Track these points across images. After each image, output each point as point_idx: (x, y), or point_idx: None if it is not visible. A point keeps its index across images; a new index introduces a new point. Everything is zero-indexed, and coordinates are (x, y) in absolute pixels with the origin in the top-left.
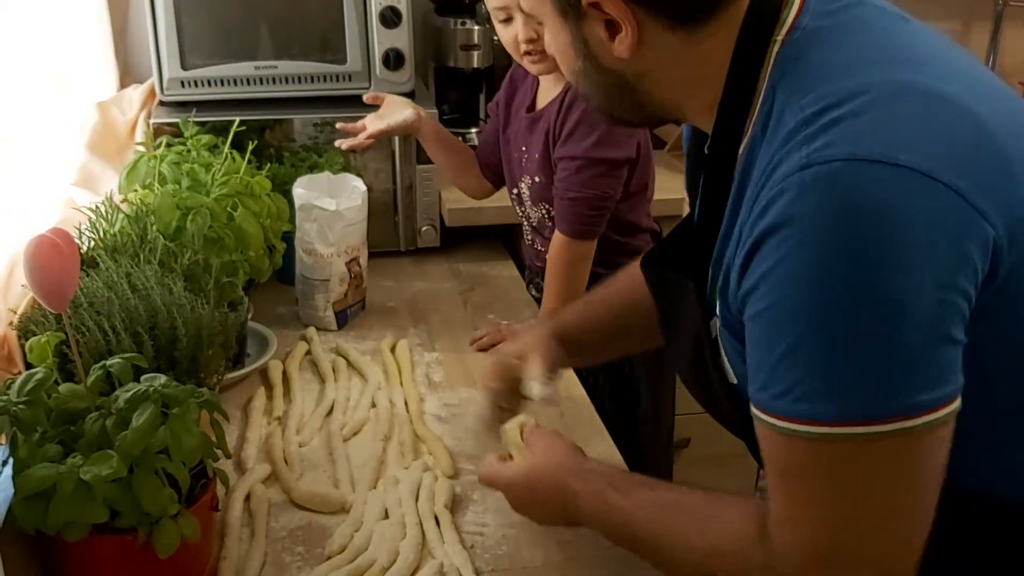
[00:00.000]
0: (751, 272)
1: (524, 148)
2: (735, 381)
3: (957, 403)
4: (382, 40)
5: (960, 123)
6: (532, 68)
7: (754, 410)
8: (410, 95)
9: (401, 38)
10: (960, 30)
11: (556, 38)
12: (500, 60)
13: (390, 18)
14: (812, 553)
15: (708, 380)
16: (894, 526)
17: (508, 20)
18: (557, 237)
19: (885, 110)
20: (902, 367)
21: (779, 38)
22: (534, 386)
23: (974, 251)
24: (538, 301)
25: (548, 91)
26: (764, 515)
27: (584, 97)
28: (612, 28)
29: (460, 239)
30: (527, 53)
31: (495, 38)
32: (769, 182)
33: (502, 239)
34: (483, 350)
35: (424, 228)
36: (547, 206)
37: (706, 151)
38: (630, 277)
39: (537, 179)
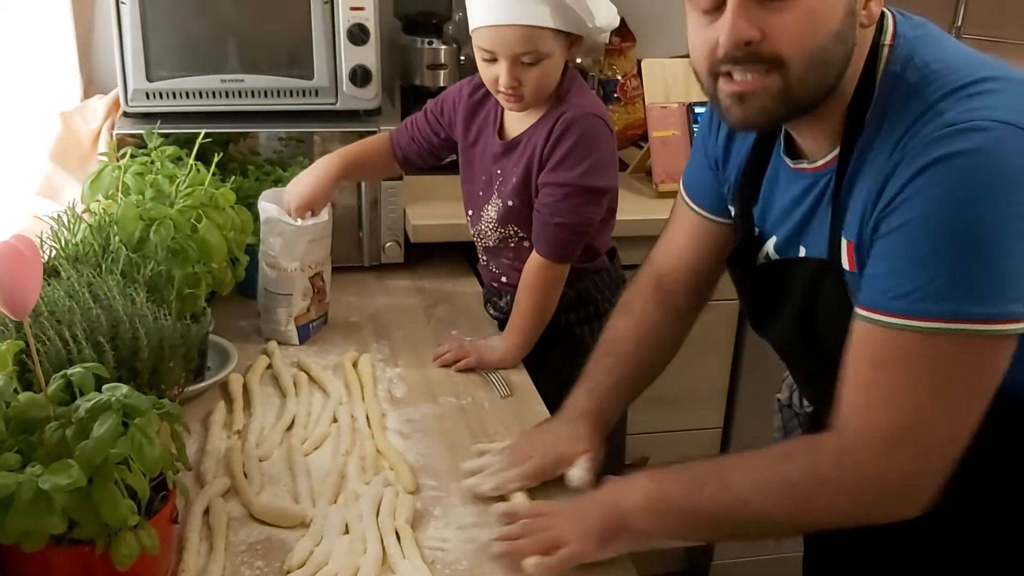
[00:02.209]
0: (896, 200)
1: (499, 172)
2: None
3: None
4: (349, 57)
5: None
6: (506, 105)
7: (866, 312)
8: (376, 112)
9: (368, 55)
10: None
11: None
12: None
13: (358, 35)
14: (885, 434)
15: (819, 329)
16: (957, 416)
17: (492, 60)
18: (536, 260)
19: (1008, 93)
20: (1008, 281)
21: (887, 42)
22: (577, 476)
23: None
24: (496, 319)
25: (519, 119)
26: (827, 430)
27: (802, 76)
28: None
29: (424, 255)
30: (508, 95)
31: (461, 58)
32: (916, 139)
33: (466, 256)
34: (446, 366)
35: (388, 244)
36: (515, 227)
37: (803, 151)
38: (636, 322)
39: (511, 202)
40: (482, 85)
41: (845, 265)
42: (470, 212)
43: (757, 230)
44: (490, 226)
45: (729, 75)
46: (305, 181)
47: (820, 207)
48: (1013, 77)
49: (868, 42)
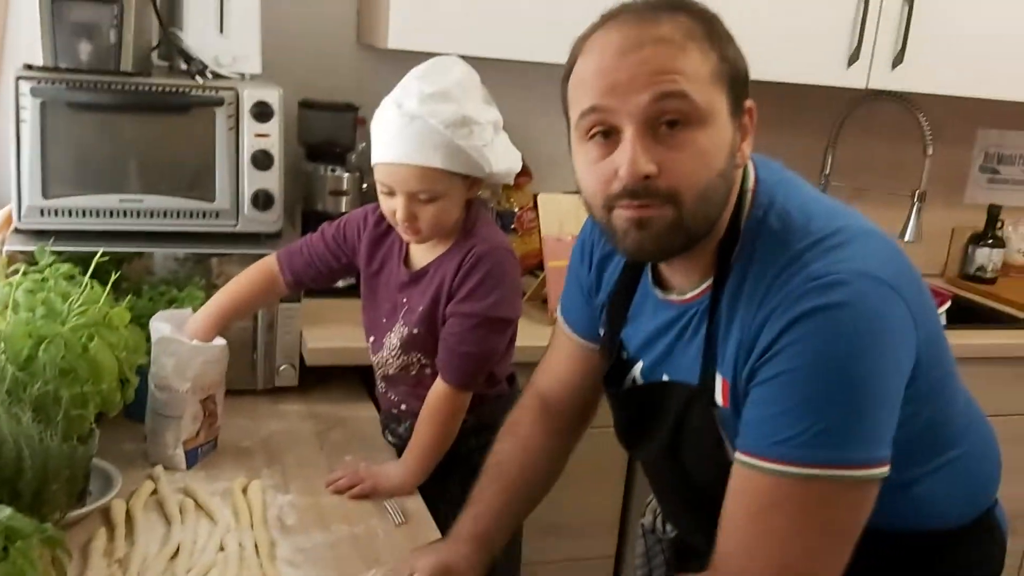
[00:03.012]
0: (770, 351)
1: (405, 300)
2: (732, 459)
3: (887, 468)
4: (252, 181)
5: (897, 254)
6: (405, 236)
7: (745, 458)
8: (276, 235)
9: (271, 180)
10: None
11: (717, 134)
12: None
13: (262, 161)
14: None
15: (685, 458)
16: (831, 558)
17: (390, 194)
18: (441, 387)
19: (861, 244)
20: (877, 429)
21: (749, 188)
22: None
23: (912, 344)
24: (394, 446)
25: (425, 250)
26: (689, 553)
27: (692, 210)
28: (742, 133)
29: (319, 379)
30: (405, 227)
31: (364, 185)
32: (784, 290)
33: (362, 379)
34: (340, 492)
35: (283, 367)
36: (418, 355)
37: (669, 283)
38: (522, 445)
39: (416, 330)
40: (384, 217)
41: (719, 400)
42: (371, 338)
43: (626, 353)
44: (392, 353)
45: (626, 204)
46: (189, 328)
47: (685, 338)
48: (862, 227)
49: (738, 183)
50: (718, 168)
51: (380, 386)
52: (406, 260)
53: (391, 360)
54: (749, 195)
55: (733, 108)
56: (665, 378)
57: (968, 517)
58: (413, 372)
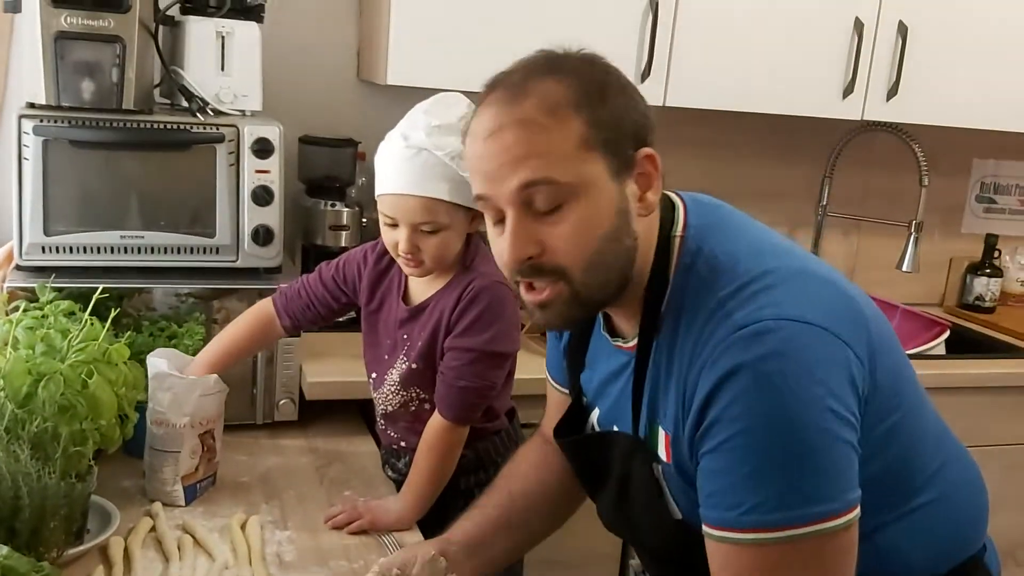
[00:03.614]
0: (709, 413)
1: (405, 336)
2: (679, 516)
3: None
4: (253, 216)
5: (835, 293)
6: (406, 269)
7: (718, 532)
8: (277, 270)
9: (272, 216)
10: (786, 236)
11: (594, 201)
12: (367, 240)
13: (262, 196)
14: None
15: (632, 512)
16: None
17: (393, 225)
18: (438, 421)
19: (789, 286)
20: (841, 473)
21: (678, 233)
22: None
23: (858, 385)
24: (394, 481)
25: (424, 284)
26: None
27: (583, 281)
28: (642, 184)
29: (319, 413)
30: (407, 259)
31: (364, 220)
32: (711, 341)
33: (362, 414)
34: (339, 528)
35: (282, 401)
36: (417, 390)
37: (621, 329)
38: (532, 466)
39: (415, 365)
40: (386, 252)
41: (662, 455)
42: (373, 375)
43: (585, 399)
44: (392, 389)
45: (529, 284)
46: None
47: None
48: (796, 267)
49: (655, 230)
50: (602, 233)
51: (380, 423)
52: (405, 296)
53: (391, 397)
54: (677, 241)
55: (617, 168)
56: (615, 428)
57: (943, 567)
58: (412, 408)
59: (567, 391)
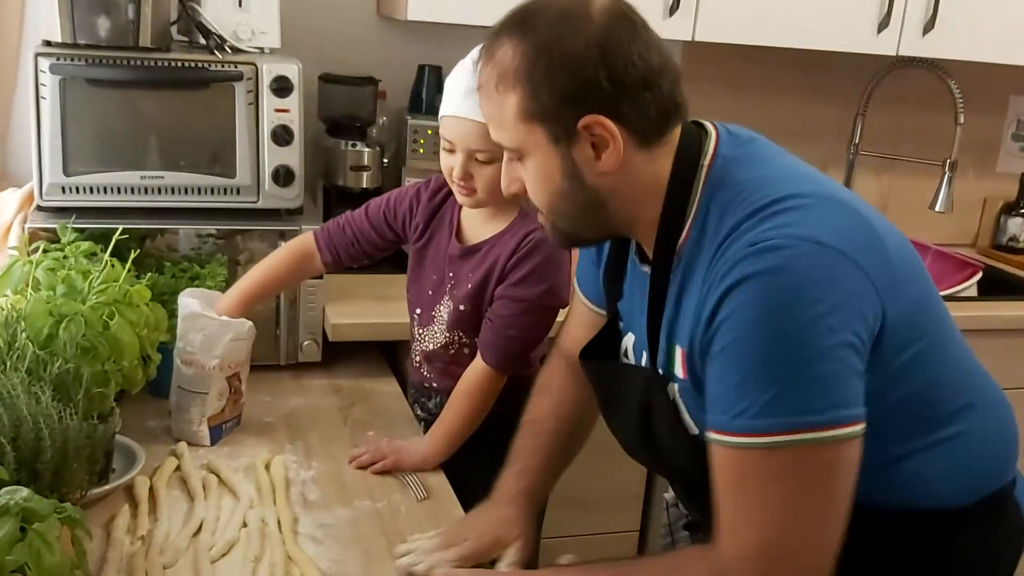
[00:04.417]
0: (716, 319)
1: (451, 274)
2: (696, 432)
3: (863, 426)
4: (273, 157)
5: (857, 221)
6: (460, 198)
7: (712, 435)
8: (298, 211)
9: (292, 156)
10: None
11: (541, 164)
12: (388, 181)
13: (282, 136)
14: (755, 551)
15: (657, 439)
16: (818, 522)
17: (451, 151)
18: (480, 367)
19: (810, 210)
20: (833, 389)
21: (705, 163)
22: (508, 562)
23: (868, 310)
24: (422, 420)
25: (479, 225)
26: (709, 542)
27: (553, 221)
28: (597, 147)
29: (342, 354)
30: (460, 186)
31: (385, 160)
32: (724, 257)
33: (385, 355)
34: (362, 467)
35: (306, 343)
36: (460, 334)
37: (650, 257)
38: (556, 400)
39: (462, 307)
40: (440, 188)
41: (678, 372)
42: (418, 311)
43: (621, 324)
44: (439, 329)
45: None
46: (220, 306)
47: None
48: (827, 194)
49: (649, 172)
50: (554, 189)
51: (415, 360)
52: (458, 234)
53: (438, 336)
54: (704, 171)
55: (556, 135)
56: (645, 356)
57: (970, 498)
58: (452, 351)
59: (600, 311)
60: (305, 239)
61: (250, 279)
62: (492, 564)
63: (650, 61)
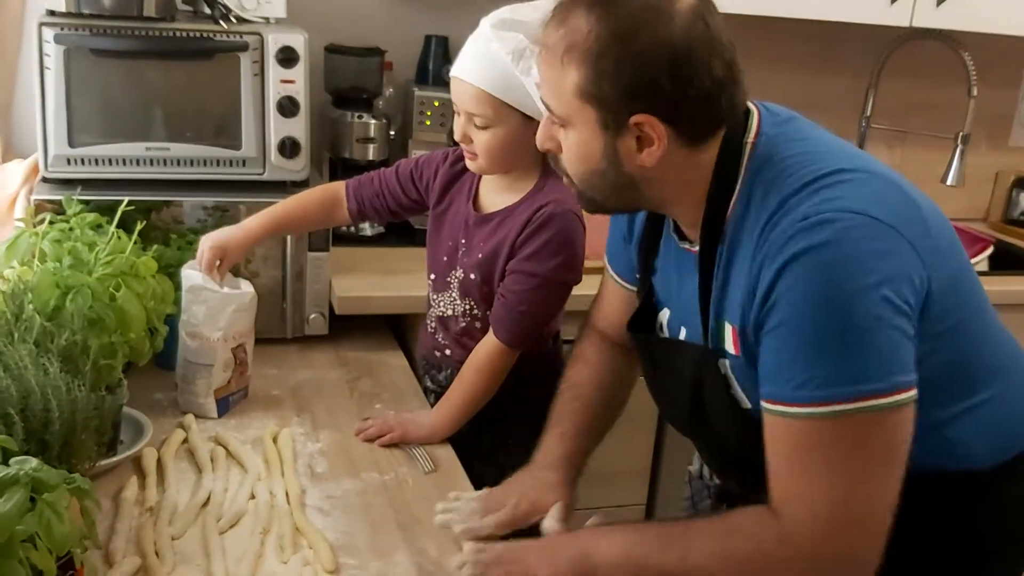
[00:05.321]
0: (772, 295)
1: (464, 241)
2: (749, 406)
3: (916, 390)
4: (279, 128)
5: (901, 196)
6: (467, 163)
7: (773, 406)
8: (304, 183)
9: (298, 127)
10: None
11: (584, 142)
12: (395, 153)
13: (288, 108)
14: (823, 517)
15: (708, 414)
16: (880, 485)
17: (458, 113)
18: (492, 343)
19: (856, 184)
20: (889, 355)
21: (749, 141)
22: (550, 526)
23: (916, 279)
24: (432, 392)
25: (494, 194)
26: (766, 507)
27: (582, 189)
28: (641, 142)
29: (349, 327)
30: (464, 149)
31: (391, 132)
32: (775, 233)
33: (391, 328)
34: (370, 440)
35: (312, 316)
36: (471, 302)
37: (688, 235)
38: (593, 367)
39: (473, 276)
40: (461, 157)
41: (730, 348)
42: (432, 276)
43: (656, 300)
44: (452, 296)
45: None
46: (223, 231)
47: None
48: (871, 169)
49: (698, 164)
50: (590, 168)
51: (430, 326)
52: (475, 202)
53: (447, 304)
54: (748, 148)
55: (606, 122)
56: (684, 331)
57: (1003, 457)
58: (464, 322)
59: (632, 288)
60: (336, 186)
61: (281, 208)
62: (534, 528)
63: (716, 74)
